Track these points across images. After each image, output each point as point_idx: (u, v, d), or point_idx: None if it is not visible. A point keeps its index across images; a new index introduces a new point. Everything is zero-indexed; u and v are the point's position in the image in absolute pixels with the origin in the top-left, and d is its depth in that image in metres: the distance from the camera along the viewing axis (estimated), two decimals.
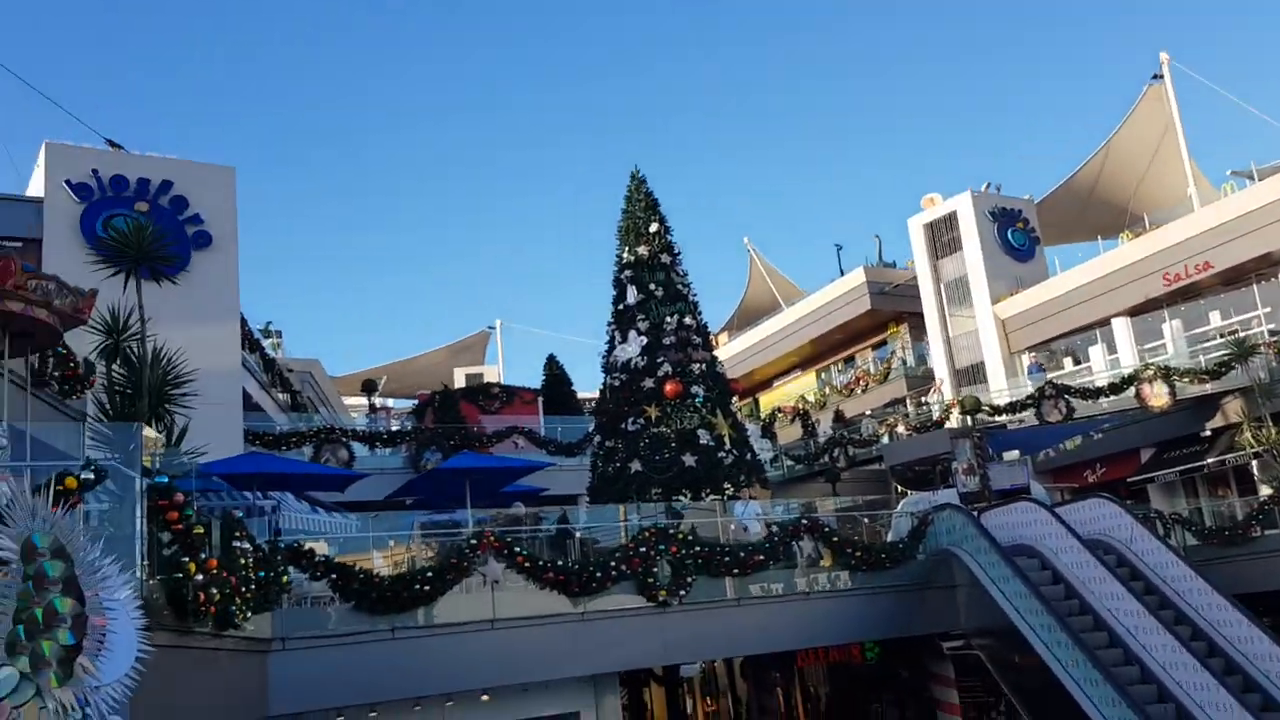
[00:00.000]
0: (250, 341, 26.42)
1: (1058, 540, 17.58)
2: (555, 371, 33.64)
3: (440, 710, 14.79)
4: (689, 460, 21.36)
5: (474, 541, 14.32)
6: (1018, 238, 35.68)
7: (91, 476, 7.60)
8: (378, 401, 33.79)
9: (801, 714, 28.10)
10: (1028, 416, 29.10)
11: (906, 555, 17.95)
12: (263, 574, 11.39)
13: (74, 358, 13.74)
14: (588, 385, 35.97)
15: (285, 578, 12.29)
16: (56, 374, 13.60)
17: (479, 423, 27.91)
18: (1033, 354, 33.33)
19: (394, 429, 27.44)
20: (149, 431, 9.47)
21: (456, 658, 14.09)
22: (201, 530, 8.94)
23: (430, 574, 13.83)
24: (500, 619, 14.58)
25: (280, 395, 29.46)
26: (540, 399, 31.39)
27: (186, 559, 8.71)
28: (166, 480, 8.53)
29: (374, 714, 14.23)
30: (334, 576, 13.32)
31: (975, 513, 18.74)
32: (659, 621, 15.66)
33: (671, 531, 15.85)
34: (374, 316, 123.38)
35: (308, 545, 13.53)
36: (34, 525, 4.14)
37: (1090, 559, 16.80)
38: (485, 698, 15.04)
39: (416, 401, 31.24)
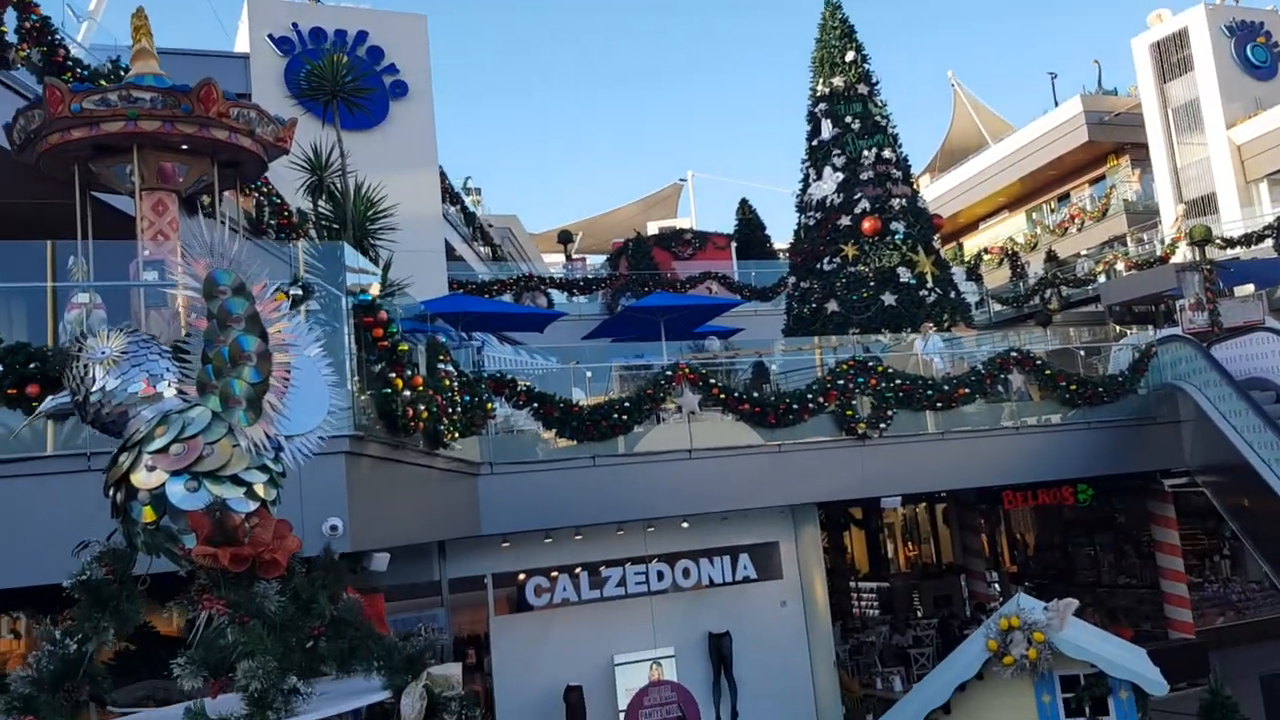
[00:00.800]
0: (450, 194, 27.07)
1: None
2: (748, 216, 33.03)
3: (641, 536, 15.16)
4: (888, 299, 20.69)
5: (669, 373, 14.35)
6: (1258, 54, 32.04)
7: (300, 292, 7.87)
8: (573, 252, 34.24)
9: (1007, 559, 27.52)
10: (1265, 249, 26.62)
11: (1126, 389, 16.88)
12: (468, 398, 11.76)
13: (287, 207, 14.36)
14: (781, 235, 35.31)
15: (490, 404, 12.67)
16: (272, 222, 14.28)
17: (672, 269, 27.88)
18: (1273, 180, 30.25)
19: (589, 277, 27.76)
20: (355, 255, 9.75)
21: (655, 486, 14.32)
22: (406, 347, 9.22)
23: (627, 404, 13.99)
24: (697, 449, 14.67)
25: (481, 248, 30.27)
26: (733, 244, 30.99)
27: (393, 374, 9.02)
28: (370, 299, 8.79)
29: (579, 537, 14.74)
30: (536, 406, 13.66)
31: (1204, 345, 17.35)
32: (858, 455, 15.40)
33: (871, 364, 15.40)
34: (567, 174, 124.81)
35: (510, 376, 13.89)
36: (214, 262, 4.20)
37: None
38: (685, 525, 15.31)
39: (610, 252, 31.48)
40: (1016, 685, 10.33)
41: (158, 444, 4.04)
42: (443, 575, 13.88)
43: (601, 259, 35.06)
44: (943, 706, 10.50)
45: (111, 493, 4.10)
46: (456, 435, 11.17)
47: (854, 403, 15.26)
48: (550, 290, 26.20)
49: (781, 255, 31.23)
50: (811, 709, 15.54)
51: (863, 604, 26.57)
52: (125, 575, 4.04)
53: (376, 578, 14.00)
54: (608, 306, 26.30)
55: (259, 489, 4.17)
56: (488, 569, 14.47)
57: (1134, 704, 10.06)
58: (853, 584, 28.87)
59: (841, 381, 15.20)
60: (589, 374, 14.69)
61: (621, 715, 14.31)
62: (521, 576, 14.50)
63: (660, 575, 15.06)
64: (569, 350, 20.39)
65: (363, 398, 9.04)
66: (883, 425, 15.35)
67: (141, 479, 4.00)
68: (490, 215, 37.16)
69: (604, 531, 14.99)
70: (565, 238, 33.92)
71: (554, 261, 39.74)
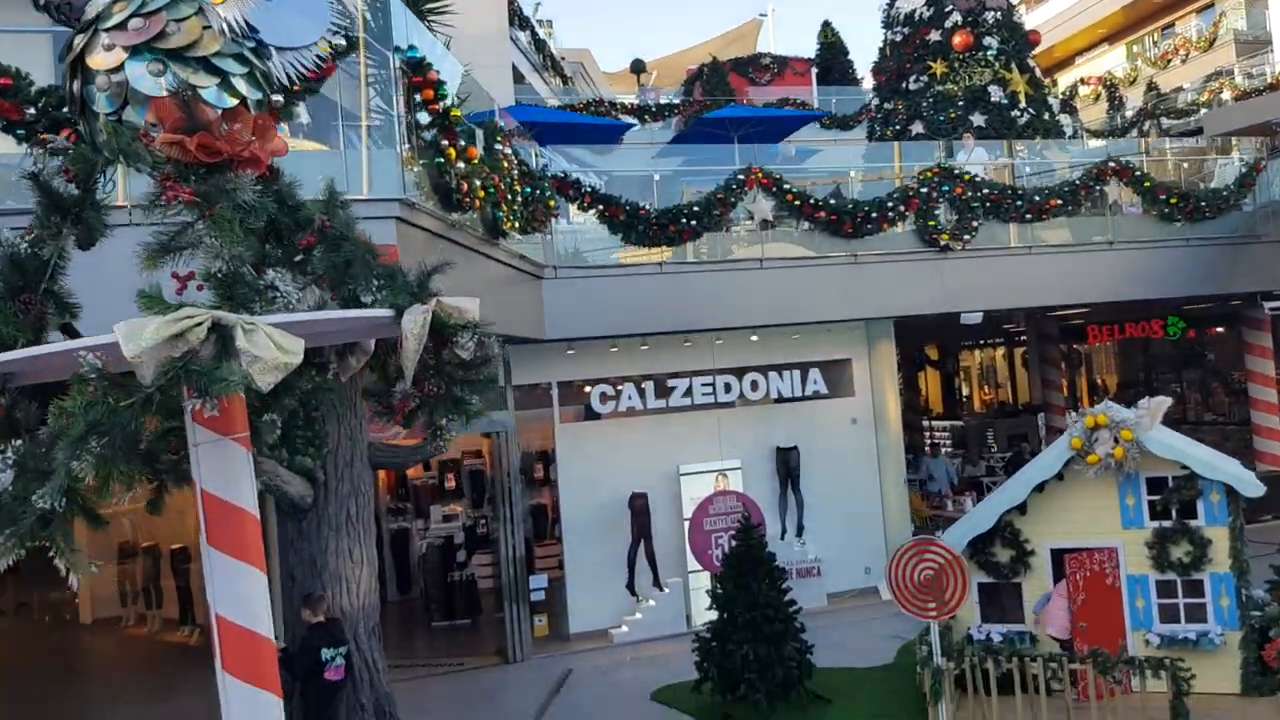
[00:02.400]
0: (519, 18, 26.09)
1: None
2: (830, 40, 31.35)
3: (709, 348, 14.79)
4: (977, 120, 19.51)
5: (741, 176, 13.68)
6: None
7: (344, 42, 7.36)
8: (647, 83, 33.08)
9: (1086, 401, 26.75)
10: None
11: (1231, 204, 15.77)
12: (529, 190, 11.30)
13: None
14: (866, 64, 33.58)
15: (551, 200, 12.20)
16: None
17: (748, 95, 26.73)
18: None
19: (662, 103, 26.78)
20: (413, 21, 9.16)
21: (724, 296, 13.86)
22: (459, 114, 8.71)
23: (697, 208, 13.41)
24: (769, 259, 14.12)
25: (551, 79, 29.35)
26: (813, 69, 29.58)
27: (446, 143, 8.55)
28: (419, 55, 8.25)
29: (645, 347, 14.43)
30: (602, 208, 13.17)
31: None
32: (938, 268, 14.70)
33: (956, 171, 14.53)
34: (642, 9, 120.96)
35: (575, 177, 13.38)
36: None
37: None
38: (754, 338, 14.89)
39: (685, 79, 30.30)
40: (1099, 487, 9.89)
41: (116, 19, 3.61)
42: (508, 381, 13.69)
43: (676, 91, 33.91)
44: (1019, 507, 10.10)
45: (68, 82, 3.71)
46: (516, 226, 10.75)
47: (936, 212, 14.47)
48: (622, 116, 25.30)
49: (864, 83, 29.76)
50: (879, 527, 15.33)
51: (935, 441, 26.21)
52: (90, 181, 3.68)
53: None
54: (680, 135, 25.39)
55: (238, 84, 3.74)
56: (553, 377, 14.28)
57: (1225, 508, 9.54)
58: (926, 423, 28.48)
59: (925, 189, 14.40)
60: (656, 177, 14.06)
61: (686, 523, 14.24)
62: (587, 387, 14.28)
63: (728, 387, 14.73)
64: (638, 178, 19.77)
65: (414, 169, 8.61)
66: (966, 236, 14.58)
67: (99, 59, 3.59)
68: (562, 48, 35.98)
69: (671, 342, 14.65)
70: (638, 67, 32.76)
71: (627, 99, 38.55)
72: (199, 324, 3.10)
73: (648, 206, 13.30)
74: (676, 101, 26.49)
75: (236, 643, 4.02)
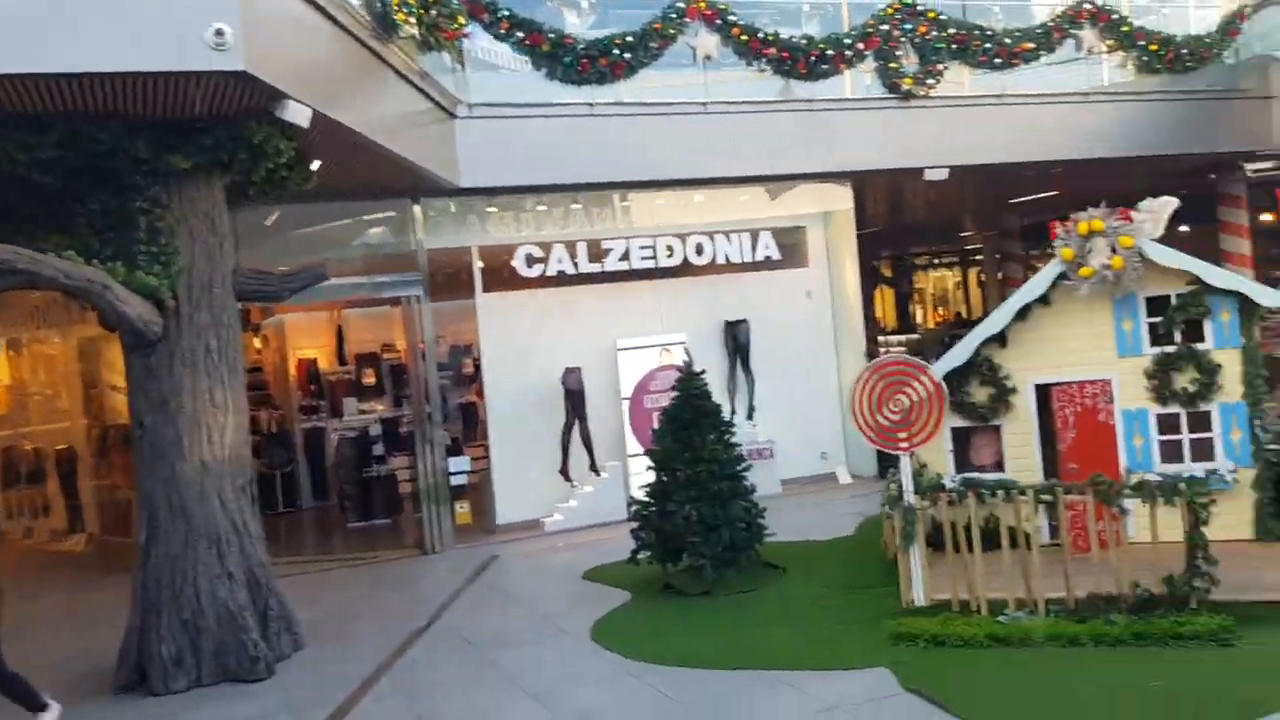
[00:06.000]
0: None
1: None
2: None
3: (650, 208, 13.33)
4: None
5: (681, 4, 12.09)
6: None
7: None
8: None
9: None
10: None
11: (1214, 53, 14.49)
12: None
13: None
14: None
15: (459, 17, 10.56)
16: None
17: None
18: None
19: None
20: None
21: (664, 144, 12.33)
22: None
23: (631, 39, 11.83)
24: (714, 102, 12.60)
25: None
26: None
27: None
28: None
29: (577, 205, 12.91)
30: (521, 36, 11.54)
31: None
32: (900, 117, 13.27)
33: (920, 8, 13.07)
34: None
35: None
36: None
37: None
38: (699, 198, 13.44)
39: None
40: (1090, 311, 8.59)
41: None
42: (419, 245, 12.09)
43: None
44: (998, 339, 8.78)
45: None
46: (412, 24, 9.13)
47: (898, 53, 13.03)
48: None
49: None
50: (837, 409, 14.02)
51: (890, 353, 25.01)
52: None
53: (323, 244, 12.34)
54: None
55: None
56: (473, 240, 12.71)
57: (1237, 328, 8.28)
58: (880, 338, 27.34)
59: (885, 27, 12.93)
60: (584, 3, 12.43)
61: (625, 402, 12.82)
62: (512, 250, 12.72)
63: (670, 250, 13.24)
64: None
65: None
66: (931, 81, 13.16)
67: None
68: None
69: (606, 200, 13.16)
70: None
71: None
72: None
73: (574, 36, 11.68)
74: None
75: None
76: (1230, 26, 14.63)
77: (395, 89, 9.51)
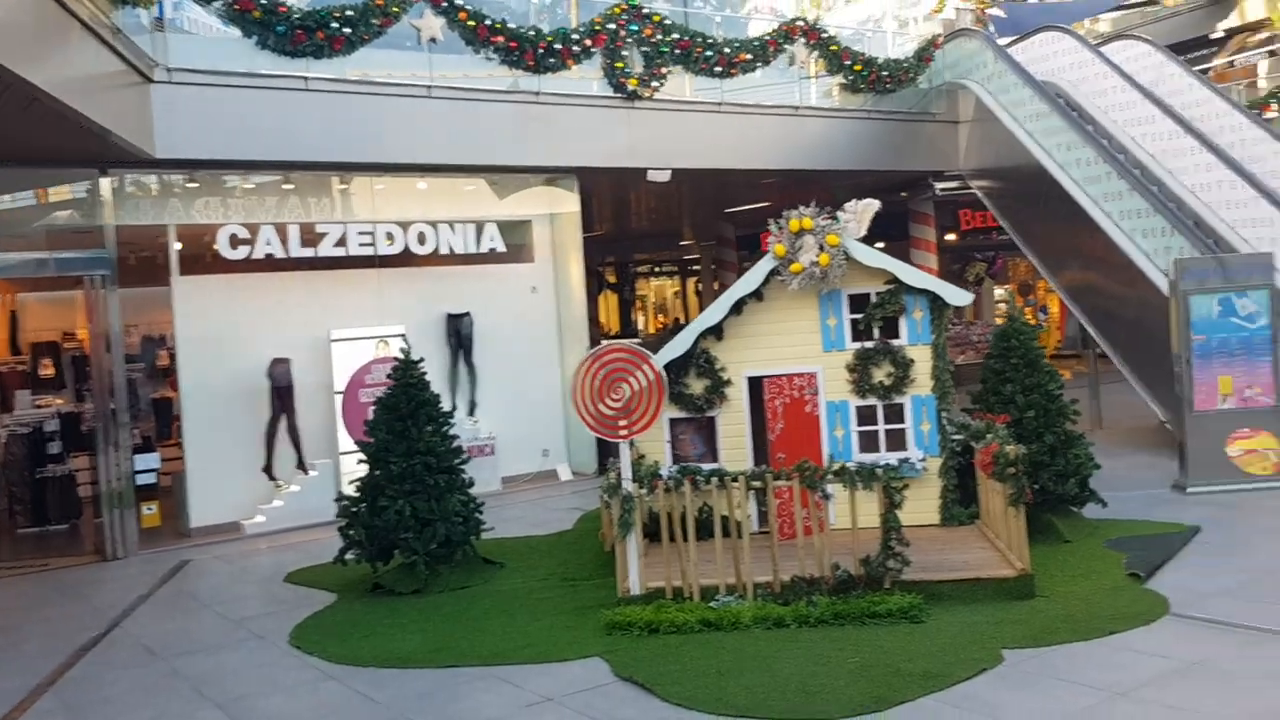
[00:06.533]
0: None
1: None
2: None
3: (369, 195, 12.75)
4: None
5: None
6: None
7: None
8: None
9: None
10: None
11: (910, 76, 15.65)
12: None
13: None
14: None
15: None
16: None
17: None
18: None
19: None
20: None
21: (387, 126, 11.85)
22: None
23: (351, 12, 11.25)
24: (439, 87, 12.24)
25: None
26: None
27: None
28: None
29: (289, 186, 12.14)
30: (232, 1, 10.70)
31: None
32: (626, 117, 13.43)
33: (645, 11, 13.28)
34: None
35: None
36: None
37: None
38: (423, 185, 13.02)
39: None
40: (799, 306, 8.94)
41: None
42: (107, 221, 10.94)
43: None
44: (714, 332, 8.96)
45: None
46: None
47: (624, 53, 13.18)
48: None
49: None
50: (560, 406, 13.95)
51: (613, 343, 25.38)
52: None
53: None
54: None
55: None
56: (171, 219, 11.67)
57: (929, 325, 8.86)
58: (603, 341, 27.67)
59: (612, 26, 13.03)
60: None
61: (339, 397, 12.18)
62: (213, 230, 11.76)
63: (390, 238, 12.71)
64: None
65: None
66: (655, 84, 13.40)
67: None
68: None
69: (324, 182, 12.47)
70: None
71: None
72: None
73: (289, 4, 10.97)
74: None
75: None
76: (925, 54, 15.86)
77: (80, 41, 8.51)
